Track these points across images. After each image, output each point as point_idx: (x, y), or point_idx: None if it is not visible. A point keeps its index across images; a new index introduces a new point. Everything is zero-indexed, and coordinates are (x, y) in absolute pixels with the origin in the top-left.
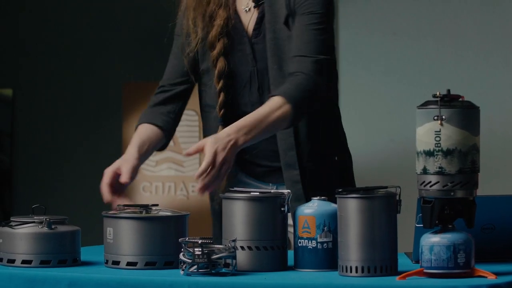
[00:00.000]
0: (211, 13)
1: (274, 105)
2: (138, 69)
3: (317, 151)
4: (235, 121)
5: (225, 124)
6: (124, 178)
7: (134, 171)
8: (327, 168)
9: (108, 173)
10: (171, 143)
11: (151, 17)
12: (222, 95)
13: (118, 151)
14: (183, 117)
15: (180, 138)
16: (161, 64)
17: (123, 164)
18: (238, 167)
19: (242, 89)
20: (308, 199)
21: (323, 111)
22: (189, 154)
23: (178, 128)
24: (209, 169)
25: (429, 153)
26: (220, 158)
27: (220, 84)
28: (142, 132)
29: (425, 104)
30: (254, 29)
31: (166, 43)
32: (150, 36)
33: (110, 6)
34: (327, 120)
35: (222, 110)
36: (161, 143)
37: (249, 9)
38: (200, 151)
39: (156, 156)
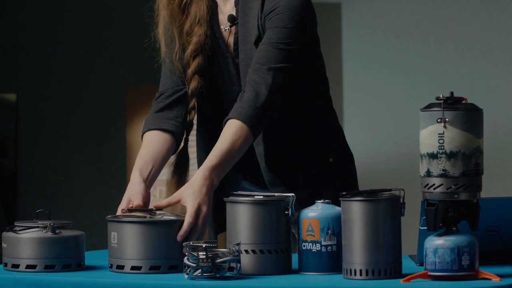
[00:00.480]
0: (188, 30)
1: (234, 132)
2: (143, 73)
3: (301, 152)
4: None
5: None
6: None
7: (147, 200)
8: (315, 171)
9: (122, 211)
10: None
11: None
12: (192, 113)
13: (122, 155)
14: None
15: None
16: None
17: (133, 196)
18: (241, 175)
19: (230, 108)
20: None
21: (302, 113)
22: (159, 207)
23: None
24: (192, 227)
25: (432, 156)
26: (203, 213)
27: (191, 104)
28: (147, 149)
29: (429, 106)
30: (234, 49)
31: None
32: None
33: (112, 8)
34: (309, 118)
35: (190, 128)
36: (172, 150)
37: (228, 29)
38: (174, 204)
39: None
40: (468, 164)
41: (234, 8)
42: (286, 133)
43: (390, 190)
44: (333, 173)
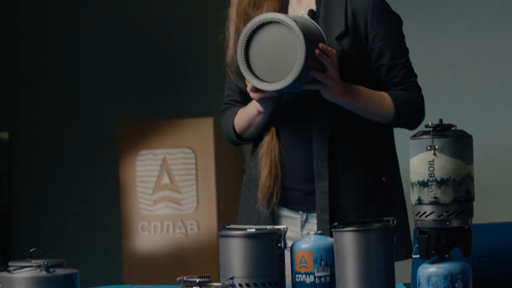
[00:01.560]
0: None
1: (381, 93)
2: (135, 109)
3: (357, 167)
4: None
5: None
6: None
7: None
8: (365, 186)
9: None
10: (168, 181)
11: (147, 55)
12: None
13: (115, 192)
14: (179, 155)
15: (177, 176)
16: (156, 104)
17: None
18: (271, 193)
19: (303, 107)
20: (333, 212)
21: (375, 128)
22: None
23: (174, 167)
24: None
25: (423, 184)
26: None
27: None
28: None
29: (418, 134)
30: None
31: (162, 81)
32: (145, 75)
33: (104, 45)
34: (376, 138)
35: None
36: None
37: None
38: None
39: (153, 195)
40: (459, 190)
41: (315, 4)
42: (352, 146)
43: (381, 219)
44: (383, 191)
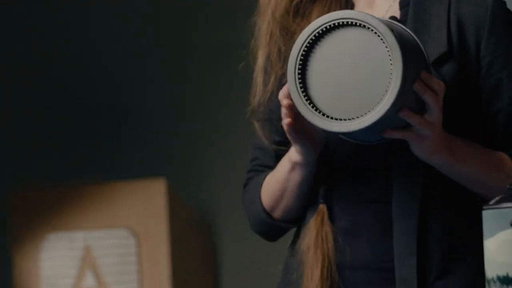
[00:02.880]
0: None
1: (498, 154)
2: (38, 166)
3: (464, 264)
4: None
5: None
6: None
7: None
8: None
9: None
10: (93, 283)
11: (60, 82)
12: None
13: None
14: (110, 240)
15: (108, 275)
16: (73, 160)
17: None
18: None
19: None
20: None
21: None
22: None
23: (103, 260)
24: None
25: (507, 281)
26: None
27: None
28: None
29: (496, 201)
30: None
31: (83, 124)
32: (56, 113)
33: None
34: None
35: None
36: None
37: None
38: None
39: None
40: None
41: (399, 10)
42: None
43: None
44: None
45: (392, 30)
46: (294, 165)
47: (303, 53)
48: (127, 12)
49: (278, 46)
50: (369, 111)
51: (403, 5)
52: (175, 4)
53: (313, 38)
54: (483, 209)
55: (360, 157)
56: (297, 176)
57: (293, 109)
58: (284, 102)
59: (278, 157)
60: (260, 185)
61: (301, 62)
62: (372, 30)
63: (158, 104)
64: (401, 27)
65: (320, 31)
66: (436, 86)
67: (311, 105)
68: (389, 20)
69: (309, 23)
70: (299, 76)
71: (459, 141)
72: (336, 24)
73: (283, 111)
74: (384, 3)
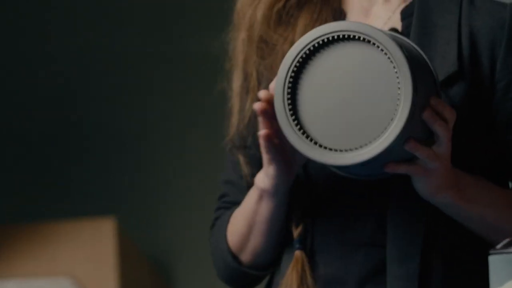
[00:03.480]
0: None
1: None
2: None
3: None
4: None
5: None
6: None
7: None
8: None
9: None
10: None
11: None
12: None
13: None
14: None
15: None
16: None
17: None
18: None
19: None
20: None
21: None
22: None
23: None
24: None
25: None
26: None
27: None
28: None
29: (504, 245)
30: None
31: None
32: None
33: None
34: None
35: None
36: None
37: None
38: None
39: None
40: None
41: (400, 21)
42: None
43: None
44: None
45: (400, 47)
46: (262, 193)
47: (294, 69)
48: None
49: (255, 66)
50: (371, 141)
51: (405, 15)
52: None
53: (307, 52)
54: (490, 254)
55: (347, 189)
56: (265, 207)
57: (269, 118)
58: (257, 106)
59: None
60: (226, 223)
61: (291, 79)
62: (376, 45)
63: (112, 133)
64: (407, 42)
65: (315, 45)
66: (448, 114)
67: (301, 130)
68: (392, 32)
69: (294, 32)
70: (288, 95)
71: (469, 178)
72: (334, 37)
73: (260, 119)
74: (382, 12)
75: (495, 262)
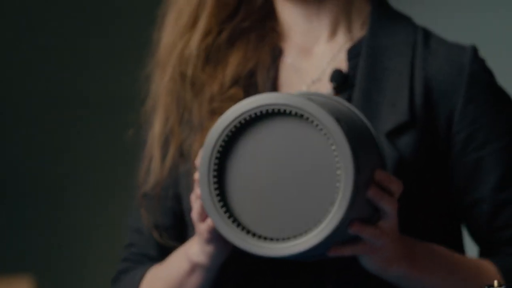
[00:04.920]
0: (215, 93)
1: (476, 261)
2: None
3: None
4: None
5: None
6: None
7: None
8: None
9: None
10: None
11: None
12: None
13: None
14: None
15: None
16: None
17: None
18: None
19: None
20: None
21: None
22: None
23: None
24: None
25: None
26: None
27: None
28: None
29: None
30: None
31: None
32: None
33: None
34: None
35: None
36: None
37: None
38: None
39: None
40: None
41: (346, 61)
42: None
43: None
44: None
45: (338, 120)
46: (195, 268)
47: (220, 148)
48: None
49: (181, 107)
50: (310, 229)
51: (352, 56)
52: None
53: (233, 130)
54: None
55: (281, 268)
56: (196, 281)
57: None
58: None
59: (161, 246)
60: (137, 283)
61: (217, 160)
62: (311, 120)
63: (32, 185)
64: (345, 106)
65: (242, 121)
66: (394, 187)
67: (231, 217)
68: (328, 95)
69: (224, 72)
70: (215, 178)
71: (422, 246)
72: (263, 112)
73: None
74: (325, 52)
75: None
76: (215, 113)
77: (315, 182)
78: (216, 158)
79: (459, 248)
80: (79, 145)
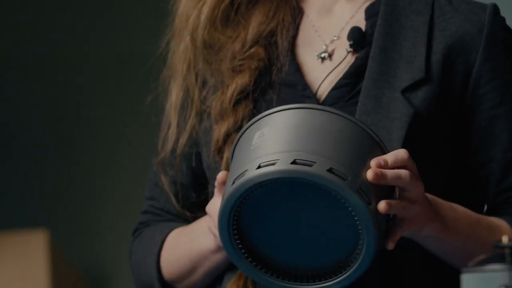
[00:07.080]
0: (234, 56)
1: (492, 219)
2: None
3: None
4: None
5: None
6: None
7: None
8: None
9: None
10: None
11: None
12: None
13: None
14: None
15: None
16: None
17: None
18: None
19: None
20: None
21: None
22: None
23: None
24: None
25: None
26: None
27: None
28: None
29: (481, 262)
30: (348, 90)
31: None
32: None
33: None
34: None
35: None
36: None
37: (327, 56)
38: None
39: None
40: None
41: (364, 20)
42: None
43: None
44: None
45: (360, 193)
46: (221, 249)
47: (238, 209)
48: None
49: (200, 75)
50: (342, 272)
51: (370, 14)
52: None
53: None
54: (463, 272)
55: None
56: (221, 257)
57: None
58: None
59: (185, 199)
60: (159, 244)
61: (237, 210)
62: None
63: (44, 142)
64: (358, 123)
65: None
66: (407, 163)
67: (258, 266)
68: (331, 110)
69: (247, 31)
70: (234, 226)
71: (446, 205)
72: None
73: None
74: (345, 10)
75: (469, 281)
76: (236, 70)
77: (338, 230)
78: (237, 210)
79: (475, 206)
80: (98, 107)
